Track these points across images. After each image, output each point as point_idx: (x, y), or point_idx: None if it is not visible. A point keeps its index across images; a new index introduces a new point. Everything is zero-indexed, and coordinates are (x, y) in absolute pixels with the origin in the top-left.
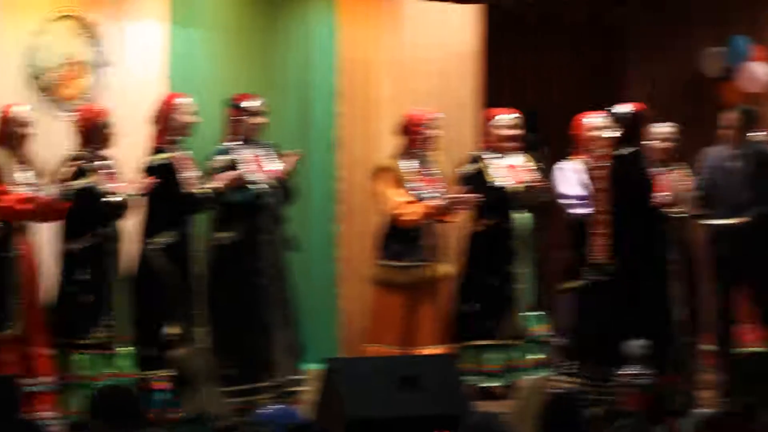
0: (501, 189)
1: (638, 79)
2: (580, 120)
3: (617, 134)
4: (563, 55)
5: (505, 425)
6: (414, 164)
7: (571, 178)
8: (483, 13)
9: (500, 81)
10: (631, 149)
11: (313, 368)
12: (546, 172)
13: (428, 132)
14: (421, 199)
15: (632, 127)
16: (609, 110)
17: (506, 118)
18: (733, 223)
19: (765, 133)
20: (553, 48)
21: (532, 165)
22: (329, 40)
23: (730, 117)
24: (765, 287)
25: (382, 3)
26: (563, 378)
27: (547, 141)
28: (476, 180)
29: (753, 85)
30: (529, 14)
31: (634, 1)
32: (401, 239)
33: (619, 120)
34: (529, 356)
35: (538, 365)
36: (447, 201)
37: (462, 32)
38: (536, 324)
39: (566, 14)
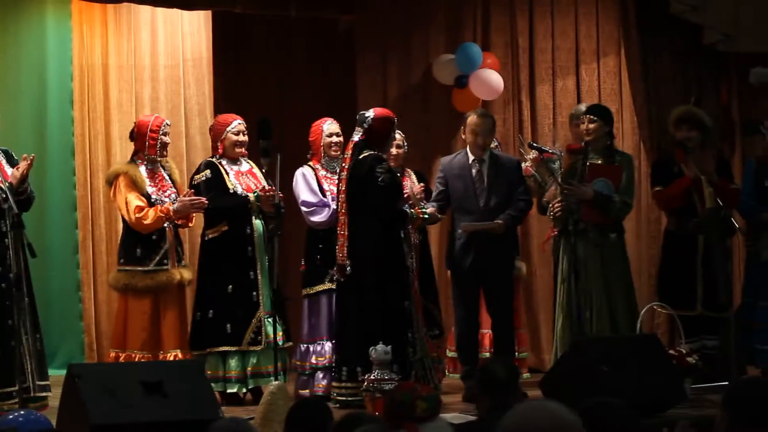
0: (236, 195)
1: (370, 85)
2: (317, 126)
3: (358, 137)
4: (298, 61)
5: (251, 430)
6: (147, 169)
7: (309, 184)
8: (216, 20)
9: (234, 87)
10: (371, 153)
11: (58, 374)
12: (279, 178)
13: (160, 137)
14: (155, 204)
15: (375, 132)
16: (358, 115)
17: (235, 125)
18: (479, 229)
19: (496, 141)
20: (288, 53)
21: (260, 172)
22: (65, 45)
23: (474, 123)
24: (500, 293)
25: (117, 9)
26: (334, 382)
27: (281, 147)
28: (213, 186)
29: (485, 92)
30: (261, 20)
31: (364, 7)
32: (142, 244)
33: (362, 124)
34: (269, 362)
35: (279, 371)
36: (180, 205)
37: (194, 39)
38: (276, 330)
39: (299, 20)
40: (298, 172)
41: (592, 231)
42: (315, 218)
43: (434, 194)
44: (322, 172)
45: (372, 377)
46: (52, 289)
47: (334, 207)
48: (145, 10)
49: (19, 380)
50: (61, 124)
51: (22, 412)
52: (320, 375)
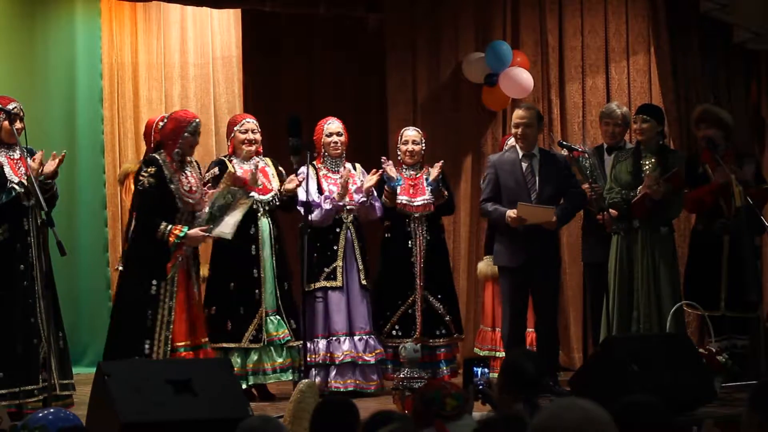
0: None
1: (399, 84)
2: (319, 125)
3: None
4: (327, 59)
5: (281, 428)
6: None
7: (308, 183)
8: (245, 19)
9: (263, 85)
10: None
11: (87, 372)
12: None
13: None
14: None
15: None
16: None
17: (243, 123)
18: (533, 223)
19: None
20: (317, 52)
21: (273, 170)
22: (94, 43)
23: (516, 115)
24: (547, 290)
25: (146, 7)
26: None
27: (310, 145)
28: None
29: (515, 90)
30: (290, 18)
31: (393, 6)
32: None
33: None
34: (270, 359)
35: (282, 368)
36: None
37: (224, 37)
38: (279, 328)
39: (328, 19)
40: (299, 171)
41: (644, 227)
42: (310, 216)
43: (486, 189)
44: (323, 171)
45: (401, 376)
46: (82, 288)
47: (327, 207)
48: (175, 8)
49: (46, 378)
50: (90, 122)
51: (51, 410)
52: (313, 372)
